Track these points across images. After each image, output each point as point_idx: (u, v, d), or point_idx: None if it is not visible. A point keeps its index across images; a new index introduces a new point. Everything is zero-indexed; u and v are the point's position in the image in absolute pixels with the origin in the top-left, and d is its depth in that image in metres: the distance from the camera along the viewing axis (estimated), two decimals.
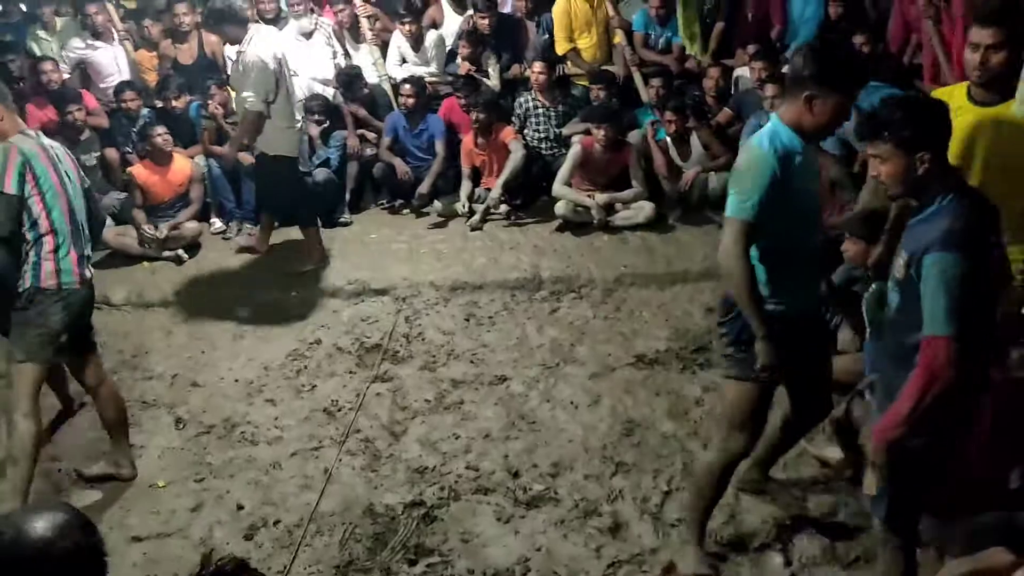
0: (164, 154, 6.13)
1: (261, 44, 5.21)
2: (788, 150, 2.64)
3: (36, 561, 1.45)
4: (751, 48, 6.13)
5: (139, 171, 6.18)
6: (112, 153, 6.57)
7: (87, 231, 3.55)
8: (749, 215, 2.63)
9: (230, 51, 6.92)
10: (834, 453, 3.51)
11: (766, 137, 2.66)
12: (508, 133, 6.38)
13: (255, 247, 6.01)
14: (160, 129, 6.07)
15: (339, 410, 4.23)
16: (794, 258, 2.78)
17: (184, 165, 6.27)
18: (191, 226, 6.20)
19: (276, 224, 6.04)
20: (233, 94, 5.59)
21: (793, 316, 2.80)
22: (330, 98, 6.76)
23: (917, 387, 2.33)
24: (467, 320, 5.03)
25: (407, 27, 6.91)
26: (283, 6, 7.30)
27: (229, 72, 6.89)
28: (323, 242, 5.85)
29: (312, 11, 7.02)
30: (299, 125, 5.51)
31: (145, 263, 6.00)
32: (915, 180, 2.39)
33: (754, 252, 2.72)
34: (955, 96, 3.01)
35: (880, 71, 5.96)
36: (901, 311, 2.46)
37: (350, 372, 4.57)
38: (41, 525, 1.47)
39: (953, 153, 2.71)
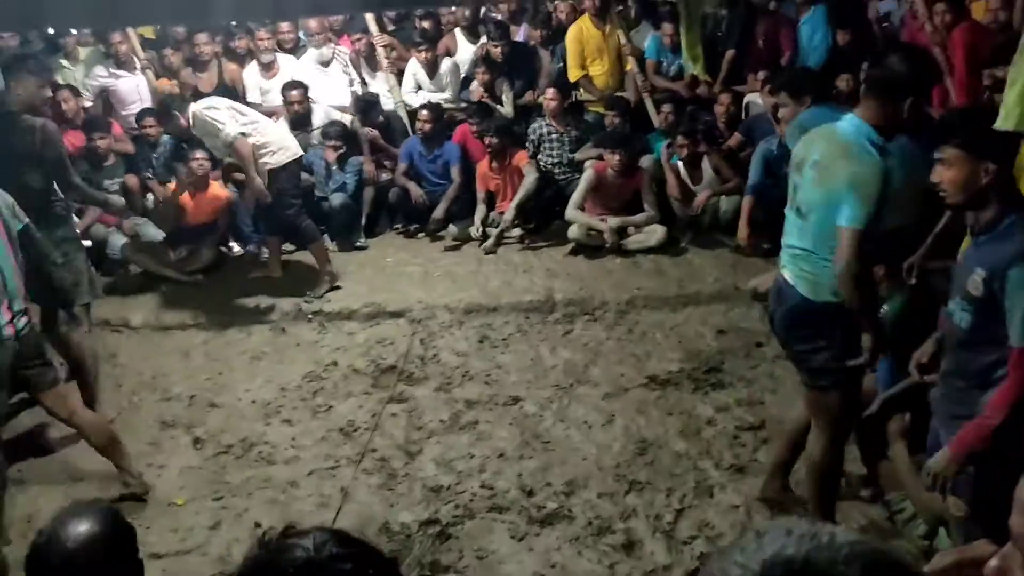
0: (202, 179, 6.22)
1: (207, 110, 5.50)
2: (885, 152, 2.71)
3: (76, 554, 1.55)
4: (762, 74, 6.21)
5: (181, 196, 6.27)
6: (132, 179, 6.69)
7: (12, 285, 3.46)
8: (863, 224, 2.66)
9: (250, 80, 7.09)
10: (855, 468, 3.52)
11: (870, 144, 2.69)
12: (522, 157, 6.47)
13: (270, 272, 6.08)
14: (200, 153, 6.11)
15: (355, 430, 4.27)
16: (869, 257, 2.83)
17: (220, 192, 6.35)
18: (207, 252, 6.30)
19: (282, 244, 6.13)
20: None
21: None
22: (347, 124, 6.88)
23: (1008, 400, 2.34)
24: (481, 342, 5.08)
25: (423, 54, 7.04)
26: (302, 36, 7.47)
27: (248, 99, 7.06)
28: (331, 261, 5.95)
29: (330, 40, 7.16)
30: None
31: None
32: (977, 190, 2.39)
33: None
34: None
35: None
36: (976, 328, 2.45)
37: (366, 393, 4.62)
38: (81, 521, 1.56)
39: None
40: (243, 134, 5.41)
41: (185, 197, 6.24)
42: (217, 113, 5.41)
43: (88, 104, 7.06)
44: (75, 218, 5.50)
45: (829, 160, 2.78)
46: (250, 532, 3.59)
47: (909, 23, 6.46)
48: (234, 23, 7.31)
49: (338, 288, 5.83)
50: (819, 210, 2.80)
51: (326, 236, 6.66)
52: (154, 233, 6.42)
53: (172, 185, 6.38)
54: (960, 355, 2.57)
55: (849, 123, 2.79)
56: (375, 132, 6.93)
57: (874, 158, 2.67)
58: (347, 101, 7.07)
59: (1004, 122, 1.38)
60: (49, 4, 1.42)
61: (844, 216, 2.68)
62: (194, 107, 5.51)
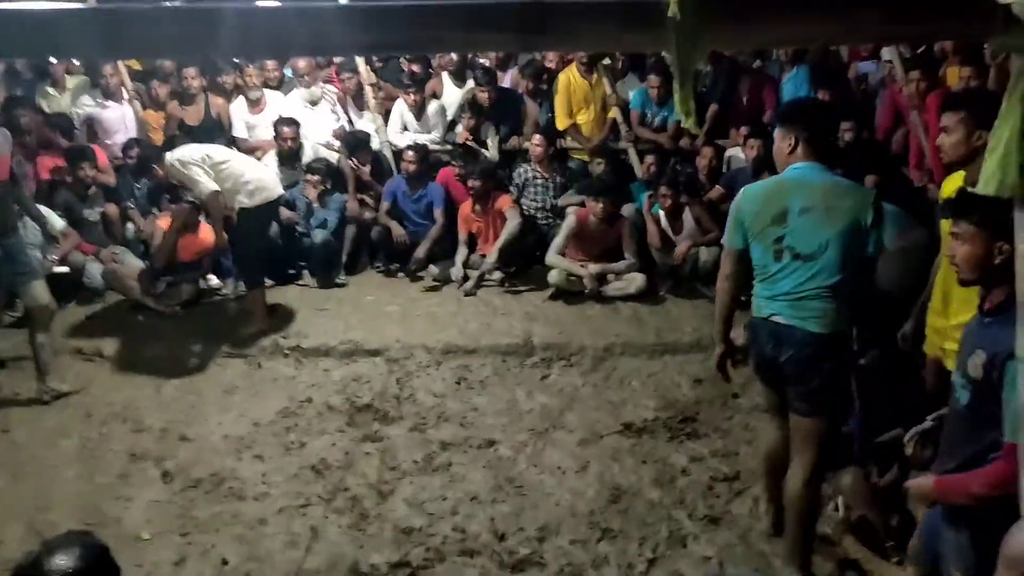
0: (195, 220, 6.22)
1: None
2: None
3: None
4: (744, 129, 6.34)
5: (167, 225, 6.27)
6: (113, 209, 6.67)
7: None
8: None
9: (237, 115, 7.14)
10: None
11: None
12: (504, 201, 6.53)
13: (259, 326, 5.86)
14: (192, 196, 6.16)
15: (327, 468, 4.23)
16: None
17: (208, 235, 6.24)
18: (187, 286, 6.28)
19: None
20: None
21: None
22: (333, 161, 6.92)
23: (990, 484, 2.36)
24: (458, 383, 5.07)
25: (411, 96, 7.11)
26: (288, 73, 7.54)
27: (235, 134, 7.10)
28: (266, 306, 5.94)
29: (318, 79, 7.24)
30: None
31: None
32: (990, 268, 2.39)
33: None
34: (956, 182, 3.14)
35: (865, 157, 6.19)
36: (972, 408, 2.46)
37: (340, 431, 4.58)
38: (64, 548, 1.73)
39: None
40: (216, 191, 5.45)
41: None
42: (191, 170, 5.43)
43: (76, 132, 7.07)
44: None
45: (829, 201, 3.02)
46: (216, 569, 3.54)
47: (889, 86, 6.63)
48: (224, 60, 7.36)
49: (262, 335, 5.73)
50: (835, 247, 2.99)
51: (306, 272, 6.68)
52: (133, 262, 6.39)
53: (163, 222, 6.34)
54: (958, 429, 2.59)
55: (811, 168, 3.08)
56: (361, 166, 6.95)
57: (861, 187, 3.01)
58: (333, 139, 7.12)
59: (984, 187, 1.43)
60: (56, 33, 1.44)
61: (872, 245, 2.99)
62: (169, 158, 5.55)
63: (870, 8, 1.58)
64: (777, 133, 3.19)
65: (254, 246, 5.85)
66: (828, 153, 3.12)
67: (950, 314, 3.18)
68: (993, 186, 1.47)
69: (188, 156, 5.50)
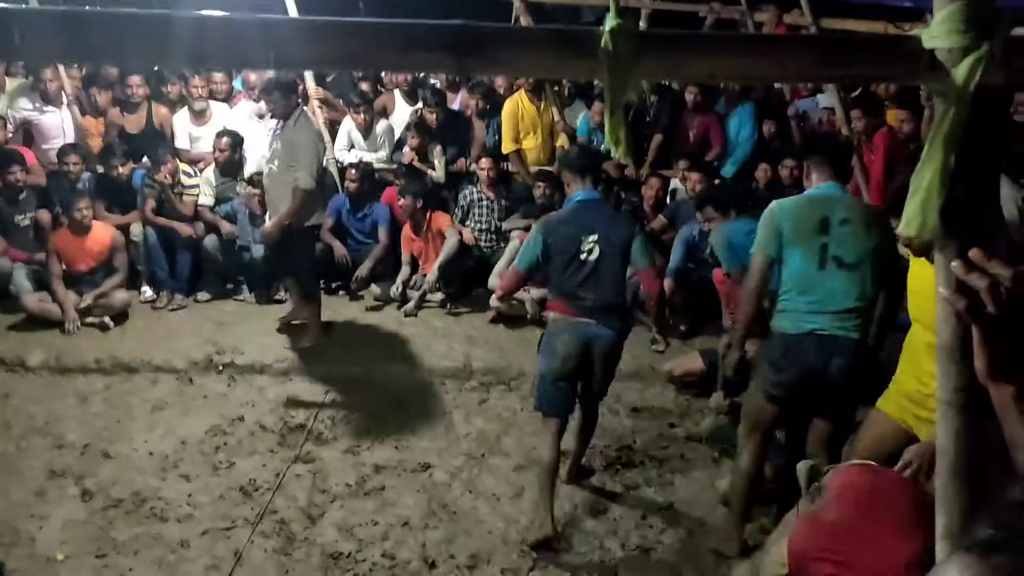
0: (82, 224, 6.05)
1: (310, 124, 5.52)
2: None
3: None
4: (683, 163, 6.45)
5: (59, 237, 6.09)
6: (44, 215, 6.47)
7: None
8: None
9: (180, 125, 7.01)
10: None
11: None
12: (444, 221, 6.51)
13: (315, 338, 5.74)
14: (84, 203, 6.01)
15: (256, 490, 4.13)
16: None
17: (104, 234, 6.15)
18: (120, 295, 6.11)
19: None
20: (267, 166, 5.52)
21: None
22: None
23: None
24: (395, 405, 5.00)
25: (360, 116, 7.07)
26: (237, 86, 7.44)
27: (177, 145, 6.96)
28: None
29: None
30: None
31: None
32: None
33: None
34: None
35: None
36: None
37: (271, 451, 4.48)
38: None
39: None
40: (312, 190, 5.40)
41: (65, 242, 6.04)
42: (312, 154, 5.36)
43: (10, 135, 6.86)
44: None
45: (862, 218, 3.33)
46: None
47: (828, 126, 6.82)
48: (175, 70, 7.24)
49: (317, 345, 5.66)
50: (873, 259, 3.28)
51: (244, 287, 6.56)
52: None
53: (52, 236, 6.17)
54: None
55: (836, 187, 3.42)
56: None
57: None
58: None
59: (905, 228, 1.47)
60: (27, 38, 1.39)
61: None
62: (314, 130, 5.55)
63: (802, 49, 1.60)
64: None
65: (310, 263, 5.77)
66: (844, 176, 3.50)
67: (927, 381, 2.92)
68: (915, 228, 1.51)
69: (318, 141, 5.47)
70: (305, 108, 5.77)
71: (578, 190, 3.85)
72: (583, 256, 3.72)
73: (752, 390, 3.61)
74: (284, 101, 5.35)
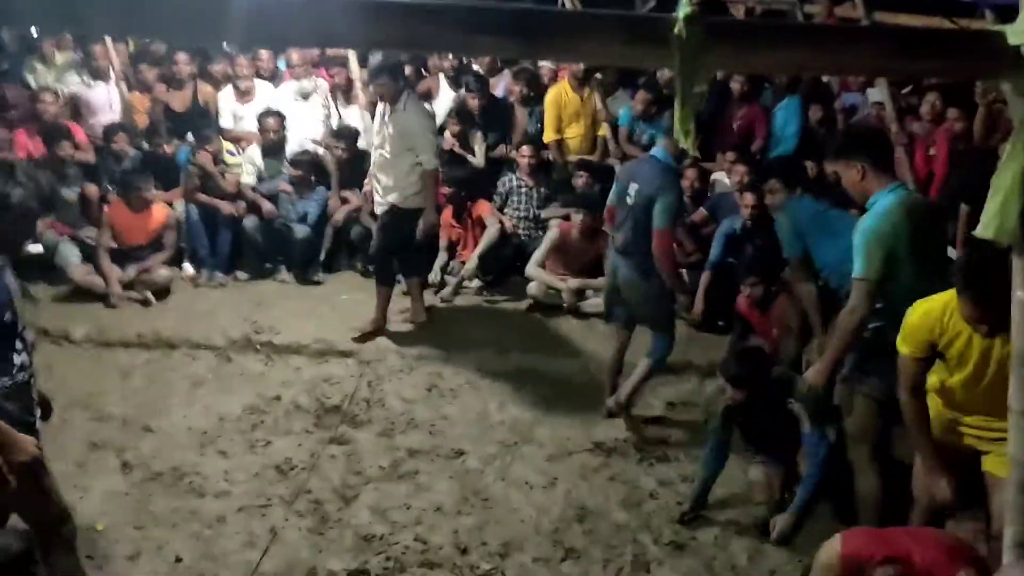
0: (143, 201, 6.14)
1: (421, 105, 5.51)
2: None
3: None
4: (730, 155, 6.35)
5: (115, 212, 6.18)
6: (92, 190, 6.55)
7: None
8: None
9: (225, 104, 7.06)
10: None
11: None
12: (485, 208, 6.49)
13: (415, 316, 5.82)
14: (149, 183, 6.12)
15: (291, 469, 4.16)
16: None
17: (160, 212, 6.28)
18: (164, 272, 6.19)
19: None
20: (377, 151, 5.50)
21: None
22: (318, 154, 6.86)
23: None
24: (429, 391, 5.01)
25: None
26: (281, 65, 7.48)
27: (221, 123, 7.01)
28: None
29: (311, 72, 7.18)
30: None
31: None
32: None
33: None
34: None
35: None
36: None
37: (307, 431, 4.51)
38: None
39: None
40: (437, 169, 5.51)
41: (122, 217, 6.14)
42: (429, 136, 5.42)
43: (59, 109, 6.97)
44: None
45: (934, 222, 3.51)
46: (169, 566, 3.46)
47: (877, 122, 6.67)
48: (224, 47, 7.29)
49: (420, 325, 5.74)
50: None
51: (283, 267, 6.60)
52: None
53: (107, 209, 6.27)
54: None
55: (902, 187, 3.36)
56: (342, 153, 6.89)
57: None
58: (319, 134, 7.06)
59: (984, 230, 1.41)
60: (81, 8, 1.40)
61: None
62: (427, 113, 5.56)
63: (881, 41, 1.55)
64: (839, 165, 3.36)
65: (415, 243, 5.72)
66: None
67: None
68: (992, 230, 1.45)
69: (432, 121, 5.51)
70: (410, 92, 5.61)
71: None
72: (628, 201, 4.39)
73: (859, 404, 3.42)
74: (393, 84, 5.30)
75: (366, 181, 6.17)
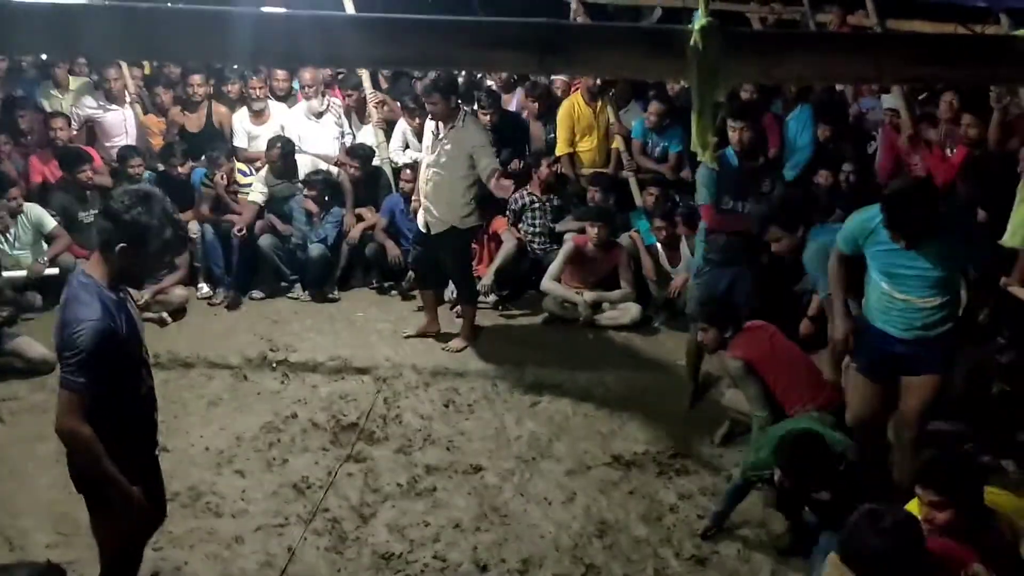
0: None
1: (479, 123, 5.58)
2: None
3: None
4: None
5: None
6: None
7: None
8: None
9: (239, 125, 7.09)
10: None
11: None
12: (500, 224, 6.48)
13: (467, 339, 5.81)
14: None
15: (309, 487, 4.15)
16: None
17: None
18: (179, 292, 6.21)
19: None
20: (429, 171, 5.47)
21: None
22: (333, 175, 6.88)
23: None
24: (446, 406, 4.99)
25: (414, 120, 7.08)
26: (296, 85, 7.51)
27: (236, 143, 7.04)
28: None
29: (323, 93, 7.21)
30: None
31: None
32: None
33: None
34: None
35: (867, 200, 6.18)
36: None
37: (323, 449, 4.50)
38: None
39: None
40: (497, 169, 5.44)
41: None
42: (488, 147, 5.41)
43: (74, 133, 7.02)
44: None
45: None
46: None
47: (888, 132, 6.63)
48: (234, 68, 7.32)
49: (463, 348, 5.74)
50: None
51: (298, 285, 6.61)
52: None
53: None
54: None
55: None
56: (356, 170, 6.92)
57: None
58: (334, 152, 7.09)
59: (1011, 239, 1.38)
60: (72, 30, 1.40)
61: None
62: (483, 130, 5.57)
63: (902, 49, 1.53)
64: None
65: (470, 264, 5.90)
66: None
67: None
68: (1020, 238, 1.42)
69: (489, 138, 5.50)
70: (467, 109, 5.65)
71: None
72: None
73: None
74: (444, 103, 5.24)
75: (414, 198, 6.17)
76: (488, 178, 5.24)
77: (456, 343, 5.73)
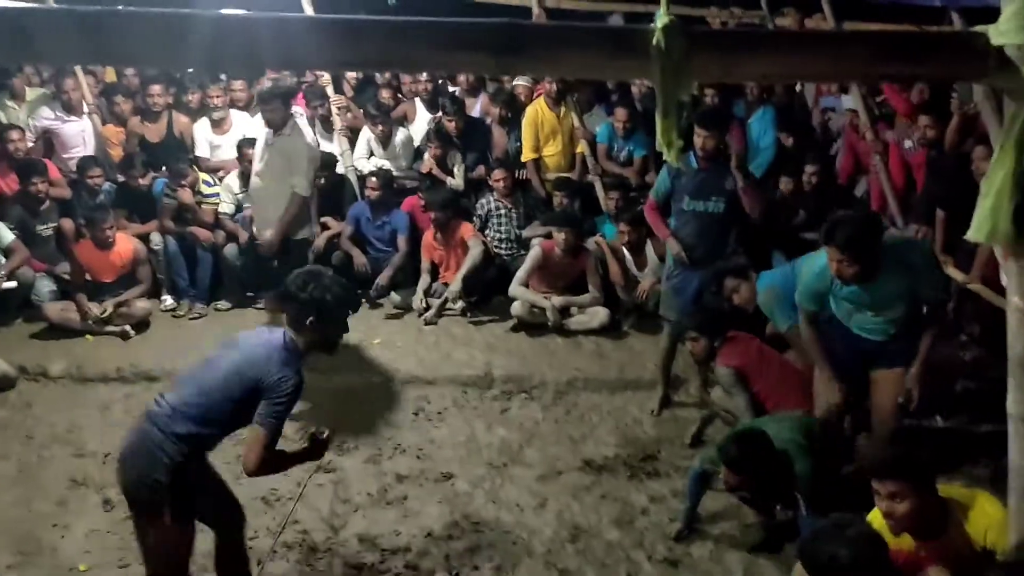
0: (105, 238, 6.03)
1: (304, 132, 5.51)
2: None
3: None
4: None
5: (81, 250, 6.08)
6: (67, 224, 6.49)
7: None
8: None
9: (200, 134, 7.01)
10: None
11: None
12: (467, 230, 6.47)
13: None
14: (108, 222, 6.00)
15: (278, 499, 4.10)
16: None
17: (126, 247, 6.15)
18: (141, 304, 6.11)
19: None
20: (256, 178, 5.60)
21: None
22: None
23: None
24: (416, 414, 4.96)
25: (378, 127, 7.05)
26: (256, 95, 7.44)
27: (197, 153, 6.97)
28: None
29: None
30: None
31: (88, 336, 5.87)
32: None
33: None
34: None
35: (829, 200, 6.27)
36: None
37: None
38: None
39: None
40: (307, 199, 5.66)
41: (89, 254, 6.04)
42: (314, 163, 5.59)
43: (31, 145, 6.89)
44: None
45: None
46: None
47: (848, 133, 6.73)
48: (195, 75, 7.25)
49: None
50: None
51: (264, 295, 6.54)
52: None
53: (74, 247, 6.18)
54: None
55: None
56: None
57: None
58: None
59: (976, 233, 1.40)
60: (26, 35, 1.36)
61: None
62: (308, 139, 5.61)
63: (859, 46, 1.55)
64: None
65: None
66: None
67: None
68: (984, 233, 1.44)
69: (313, 149, 5.59)
70: (297, 117, 5.78)
71: None
72: None
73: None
74: (284, 110, 5.36)
75: (247, 208, 6.22)
76: (290, 199, 5.38)
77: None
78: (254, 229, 5.68)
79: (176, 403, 2.89)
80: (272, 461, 2.93)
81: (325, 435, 3.14)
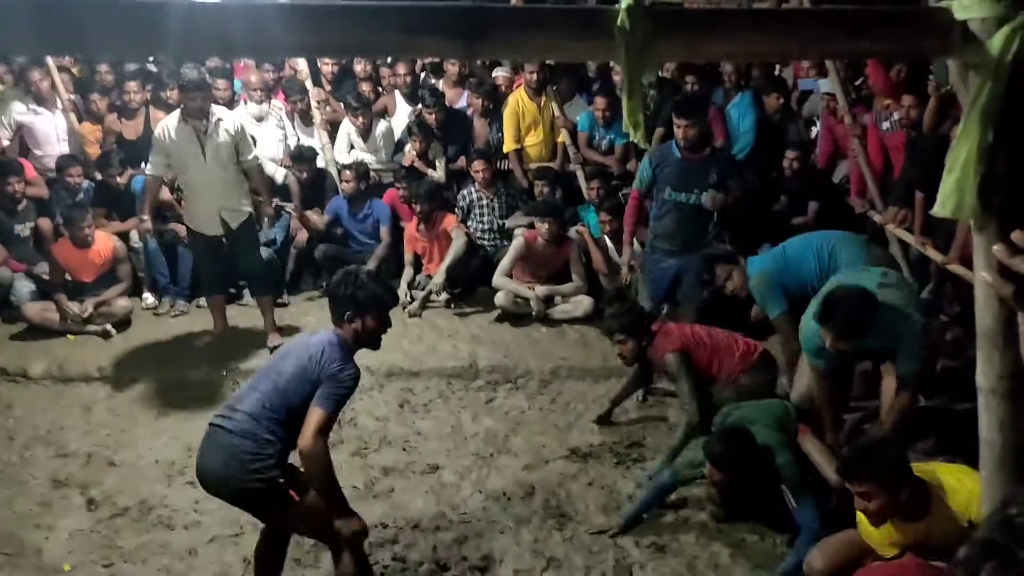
0: (83, 237, 5.97)
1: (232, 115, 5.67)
2: None
3: None
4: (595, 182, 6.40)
5: (60, 250, 6.03)
6: (45, 223, 6.42)
7: None
8: None
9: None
10: None
11: None
12: (450, 221, 6.45)
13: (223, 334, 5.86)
14: (86, 221, 5.94)
15: None
16: None
17: (105, 246, 6.10)
18: (122, 303, 6.06)
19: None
20: (195, 171, 5.49)
21: None
22: (278, 179, 6.79)
23: None
24: (401, 407, 4.96)
25: (358, 119, 7.01)
26: (237, 88, 7.39)
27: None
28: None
29: (269, 97, 7.11)
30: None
31: (69, 336, 5.82)
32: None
33: None
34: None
35: (808, 184, 6.30)
36: None
37: None
38: None
39: None
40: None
41: (67, 254, 5.98)
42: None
43: (7, 143, 6.81)
44: None
45: None
46: None
47: (826, 117, 6.74)
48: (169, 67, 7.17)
49: None
50: None
51: (247, 292, 6.50)
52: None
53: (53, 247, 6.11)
54: None
55: None
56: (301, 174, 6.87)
57: None
58: (279, 155, 6.99)
59: (941, 208, 1.40)
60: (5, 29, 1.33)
61: None
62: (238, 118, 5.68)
63: (823, 24, 1.54)
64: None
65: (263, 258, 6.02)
66: None
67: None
68: (950, 208, 1.44)
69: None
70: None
71: None
72: None
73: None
74: (211, 99, 5.55)
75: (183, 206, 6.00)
76: (254, 172, 5.63)
77: (273, 339, 5.67)
78: (206, 229, 5.57)
79: (254, 409, 3.05)
80: (324, 455, 3.01)
81: (356, 530, 3.16)
